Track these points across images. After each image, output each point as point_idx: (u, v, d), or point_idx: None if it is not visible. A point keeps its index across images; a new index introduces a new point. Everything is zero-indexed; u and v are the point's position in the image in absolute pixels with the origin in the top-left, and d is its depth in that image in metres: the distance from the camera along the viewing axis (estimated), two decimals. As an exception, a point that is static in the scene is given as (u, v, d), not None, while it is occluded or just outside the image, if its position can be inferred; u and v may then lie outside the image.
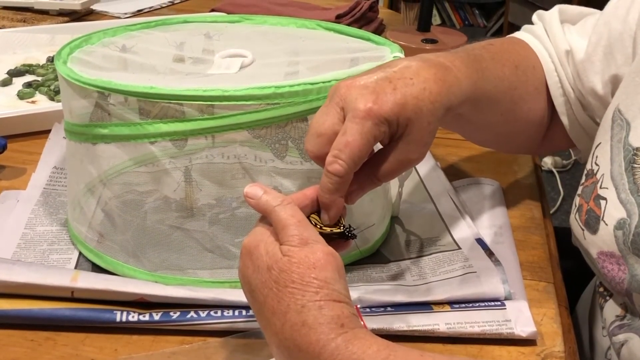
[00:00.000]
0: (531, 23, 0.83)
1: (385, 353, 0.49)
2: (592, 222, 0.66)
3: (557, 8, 0.80)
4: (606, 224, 0.64)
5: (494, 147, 0.88)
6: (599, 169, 0.68)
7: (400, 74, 0.59)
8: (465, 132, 0.82)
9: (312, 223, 0.57)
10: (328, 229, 0.57)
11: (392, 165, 0.59)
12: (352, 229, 0.58)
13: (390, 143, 0.59)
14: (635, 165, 0.63)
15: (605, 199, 0.65)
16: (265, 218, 0.56)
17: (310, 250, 0.52)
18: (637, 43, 0.69)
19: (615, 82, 0.71)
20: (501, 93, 0.72)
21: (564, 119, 0.77)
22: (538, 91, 0.76)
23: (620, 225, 0.63)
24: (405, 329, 0.62)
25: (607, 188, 0.65)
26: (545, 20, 0.80)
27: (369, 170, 0.59)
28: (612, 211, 0.64)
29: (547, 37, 0.79)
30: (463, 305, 0.65)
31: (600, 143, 0.68)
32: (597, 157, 0.68)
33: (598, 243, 0.65)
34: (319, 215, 0.58)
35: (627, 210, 0.62)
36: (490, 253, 0.71)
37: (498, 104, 0.72)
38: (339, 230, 0.58)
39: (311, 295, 0.50)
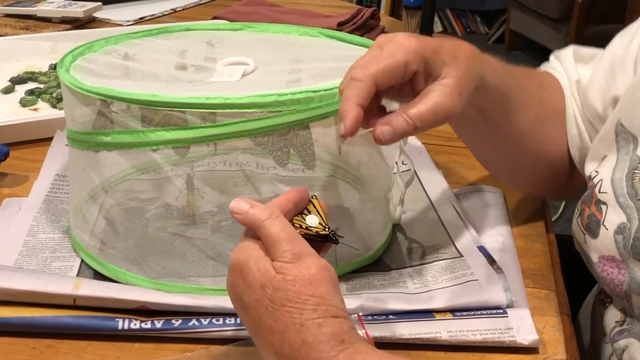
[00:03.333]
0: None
1: None
2: (593, 227, 0.66)
3: (571, 48, 0.81)
4: (606, 229, 0.64)
5: (512, 182, 0.82)
6: (597, 174, 0.68)
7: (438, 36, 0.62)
8: (486, 141, 0.77)
9: (296, 225, 0.57)
10: (313, 231, 0.57)
11: (427, 107, 0.59)
12: (337, 233, 0.58)
13: (427, 86, 0.60)
14: (636, 172, 0.64)
15: (605, 203, 0.65)
16: (250, 231, 0.55)
17: (304, 265, 0.52)
18: (638, 64, 0.70)
19: (615, 104, 0.72)
20: (527, 101, 0.72)
21: (574, 152, 0.77)
22: (561, 115, 0.76)
23: (620, 229, 0.63)
24: (407, 336, 0.62)
25: (606, 192, 0.66)
26: (560, 57, 0.82)
27: (404, 112, 0.59)
28: (612, 216, 0.64)
29: (562, 70, 0.80)
30: (465, 313, 0.65)
31: (606, 156, 0.68)
32: (599, 165, 0.68)
33: (599, 247, 0.66)
34: (303, 218, 0.58)
35: (627, 215, 0.63)
36: (492, 261, 0.71)
37: (523, 111, 0.72)
38: (325, 233, 0.58)
39: (309, 314, 0.50)
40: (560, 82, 0.79)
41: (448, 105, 0.59)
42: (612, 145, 0.68)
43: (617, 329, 0.67)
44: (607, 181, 0.66)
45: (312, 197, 0.59)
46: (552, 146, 0.76)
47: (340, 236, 0.58)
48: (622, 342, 0.66)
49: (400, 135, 0.58)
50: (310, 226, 0.57)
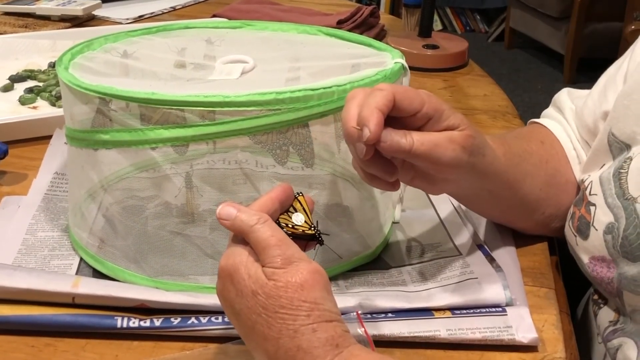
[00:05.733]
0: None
1: None
2: (583, 228, 0.67)
3: (565, 90, 0.82)
4: (596, 229, 0.65)
5: (541, 231, 0.79)
6: (589, 177, 0.69)
7: None
8: (506, 214, 0.76)
9: (282, 224, 0.57)
10: (300, 229, 0.57)
11: (432, 137, 0.59)
12: (321, 232, 0.58)
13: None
14: (622, 171, 0.65)
15: (594, 204, 0.66)
16: (238, 236, 0.55)
17: (295, 269, 0.52)
18: (627, 76, 0.71)
19: (606, 118, 0.72)
20: (534, 166, 0.72)
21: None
22: (568, 164, 0.76)
23: (609, 229, 0.64)
24: (406, 335, 0.62)
25: (595, 194, 0.67)
26: (554, 101, 0.82)
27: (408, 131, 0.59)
28: (601, 216, 0.65)
29: (559, 113, 0.80)
30: (464, 311, 0.65)
31: (604, 164, 0.69)
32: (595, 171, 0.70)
33: (589, 248, 0.66)
34: (289, 216, 0.58)
35: (615, 215, 0.64)
36: (491, 259, 0.71)
37: (534, 177, 0.72)
38: (311, 232, 0.58)
39: (303, 320, 0.50)
40: (550, 130, 0.78)
41: (448, 150, 0.59)
42: (607, 154, 0.68)
43: (611, 328, 0.68)
44: (597, 182, 0.67)
45: (297, 194, 0.60)
46: (571, 195, 0.75)
47: (326, 234, 0.59)
48: (615, 342, 0.66)
49: (392, 144, 0.57)
50: (296, 225, 0.57)
